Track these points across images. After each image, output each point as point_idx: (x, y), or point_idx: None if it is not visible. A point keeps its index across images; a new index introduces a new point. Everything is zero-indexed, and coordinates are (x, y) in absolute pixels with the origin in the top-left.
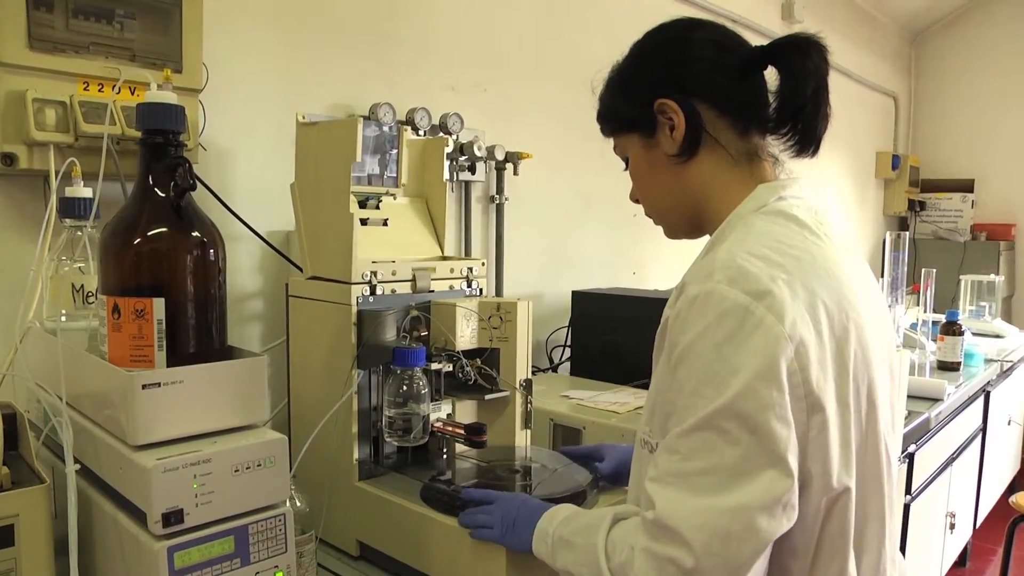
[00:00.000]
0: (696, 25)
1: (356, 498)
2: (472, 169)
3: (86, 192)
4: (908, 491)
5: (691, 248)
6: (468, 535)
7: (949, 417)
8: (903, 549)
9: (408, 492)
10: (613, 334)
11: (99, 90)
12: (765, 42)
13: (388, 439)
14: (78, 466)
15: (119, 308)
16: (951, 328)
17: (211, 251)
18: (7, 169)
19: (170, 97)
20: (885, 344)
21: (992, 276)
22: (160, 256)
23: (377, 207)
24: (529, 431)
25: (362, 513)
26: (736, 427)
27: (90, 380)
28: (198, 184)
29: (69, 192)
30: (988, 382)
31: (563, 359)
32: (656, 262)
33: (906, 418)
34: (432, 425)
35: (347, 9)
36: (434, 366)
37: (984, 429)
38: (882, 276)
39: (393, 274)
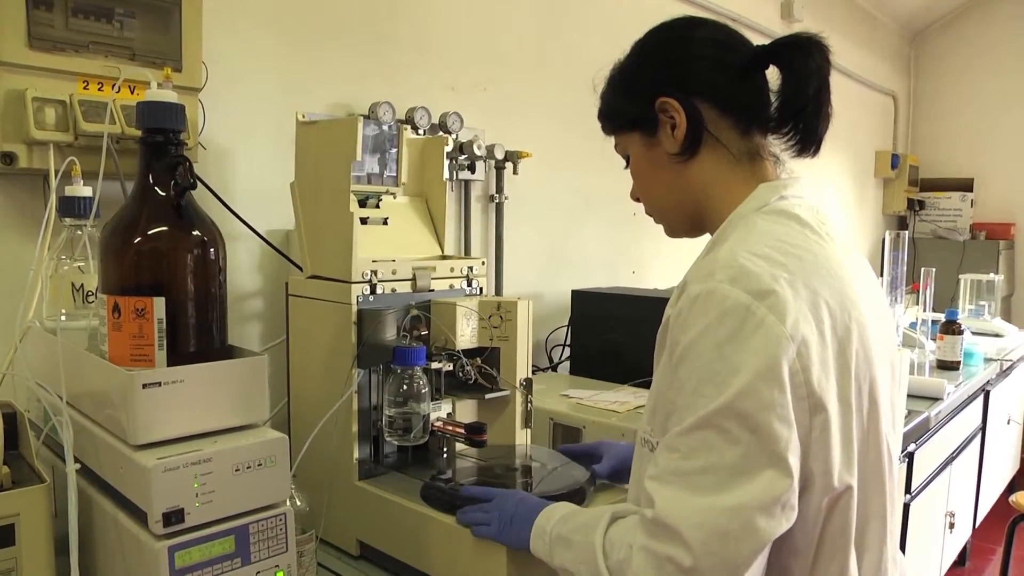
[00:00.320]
0: (698, 24)
1: (356, 497)
2: (472, 168)
3: (86, 191)
4: (908, 490)
5: (691, 247)
6: (468, 534)
7: (949, 416)
8: (903, 548)
9: (408, 491)
10: (613, 333)
11: (99, 89)
12: (764, 41)
13: (388, 438)
14: (78, 465)
15: (119, 307)
16: (950, 327)
17: (211, 250)
18: (7, 168)
19: (170, 96)
20: (886, 343)
21: (991, 275)
22: (160, 255)
23: (377, 206)
24: (529, 430)
25: (362, 512)
26: (736, 426)
27: (90, 379)
28: (198, 183)
29: (69, 191)
30: (988, 381)
31: (563, 358)
32: (656, 261)
33: (906, 417)
34: (432, 424)
35: (347, 8)
36: (434, 365)
37: (984, 428)
38: (881, 275)
39: (393, 273)
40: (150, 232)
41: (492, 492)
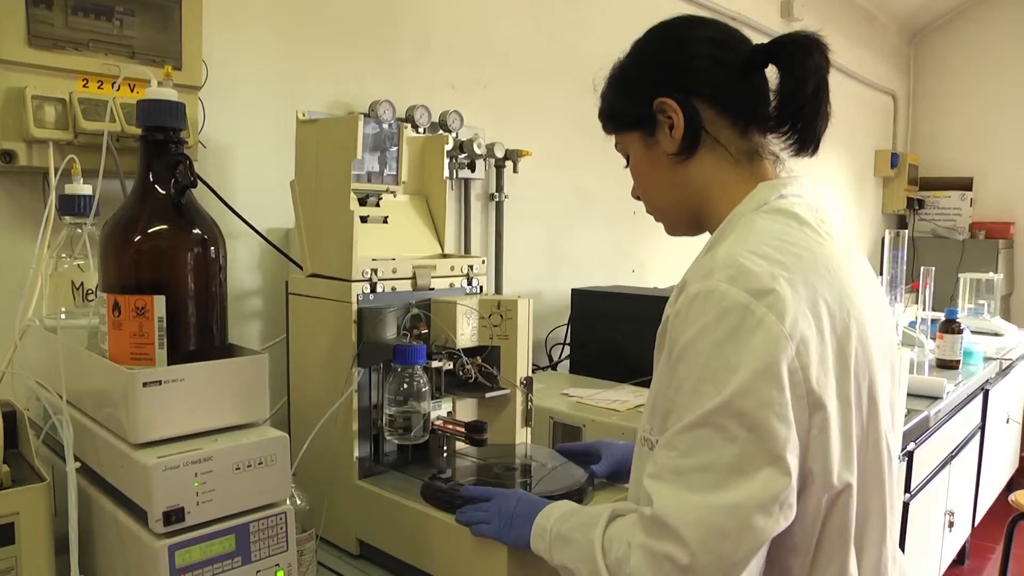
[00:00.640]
0: (697, 23)
1: (356, 496)
2: (472, 167)
3: (86, 189)
4: (907, 489)
5: (691, 246)
6: (468, 533)
7: (948, 415)
8: (902, 547)
9: (408, 490)
10: (613, 332)
11: (99, 87)
12: (764, 40)
13: (388, 437)
14: (78, 464)
15: (119, 306)
16: (950, 326)
17: (212, 248)
18: (6, 166)
19: (170, 94)
20: (886, 341)
21: (991, 274)
22: (160, 253)
23: (377, 204)
24: (529, 429)
25: (362, 511)
26: (735, 425)
27: (90, 378)
28: (198, 181)
29: (69, 189)
30: (987, 380)
31: (563, 357)
32: (656, 260)
33: (905, 416)
34: (432, 423)
35: (347, 6)
36: (434, 364)
37: (983, 427)
38: (881, 274)
39: (393, 272)
40: (150, 230)
41: (491, 491)
